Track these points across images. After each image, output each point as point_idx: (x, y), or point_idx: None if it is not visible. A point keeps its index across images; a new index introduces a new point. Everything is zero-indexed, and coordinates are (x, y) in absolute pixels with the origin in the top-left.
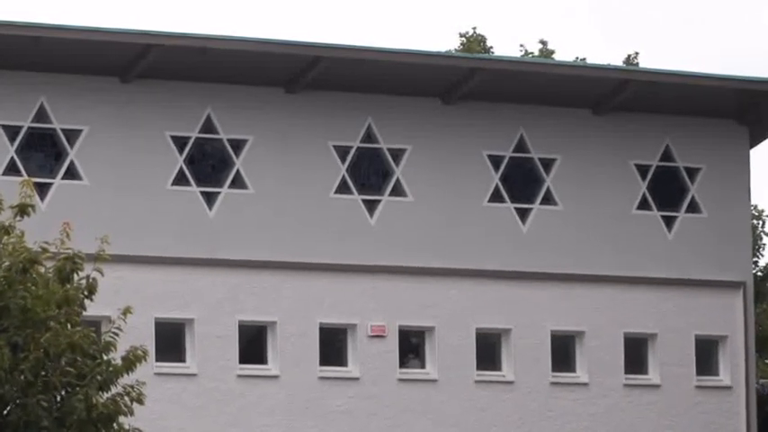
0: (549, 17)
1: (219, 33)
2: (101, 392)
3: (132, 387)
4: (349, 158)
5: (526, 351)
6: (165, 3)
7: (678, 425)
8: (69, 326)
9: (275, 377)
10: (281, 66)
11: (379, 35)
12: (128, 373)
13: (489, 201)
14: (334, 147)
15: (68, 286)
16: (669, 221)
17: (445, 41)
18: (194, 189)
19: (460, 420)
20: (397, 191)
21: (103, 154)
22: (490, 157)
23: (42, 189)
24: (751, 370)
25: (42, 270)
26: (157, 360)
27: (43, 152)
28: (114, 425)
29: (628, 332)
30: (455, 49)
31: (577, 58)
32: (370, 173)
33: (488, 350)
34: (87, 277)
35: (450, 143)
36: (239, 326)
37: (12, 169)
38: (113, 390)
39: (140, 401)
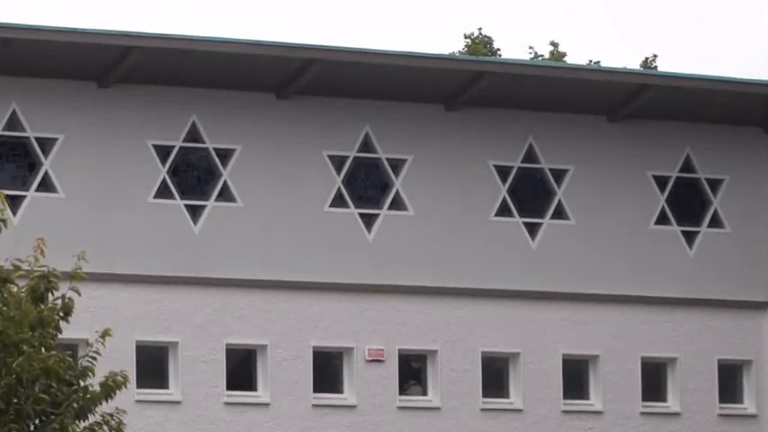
0: (561, 17)
1: (205, 34)
2: (77, 421)
3: (111, 416)
4: (345, 169)
5: (536, 377)
6: (147, 2)
7: None
8: (43, 350)
9: (265, 405)
10: (272, 69)
11: (377, 36)
12: (106, 401)
13: (496, 215)
14: (329, 157)
15: (42, 307)
16: (690, 237)
17: (449, 43)
18: (178, 202)
19: None
20: (397, 204)
21: (80, 164)
22: (497, 167)
23: (14, 202)
24: None
25: (14, 289)
26: (138, 386)
27: (15, 162)
28: None
29: (645, 356)
30: (459, 52)
31: (591, 61)
32: (367, 185)
33: (495, 376)
34: (63, 297)
35: (454, 153)
36: (227, 349)
37: None
38: (91, 418)
39: (120, 431)
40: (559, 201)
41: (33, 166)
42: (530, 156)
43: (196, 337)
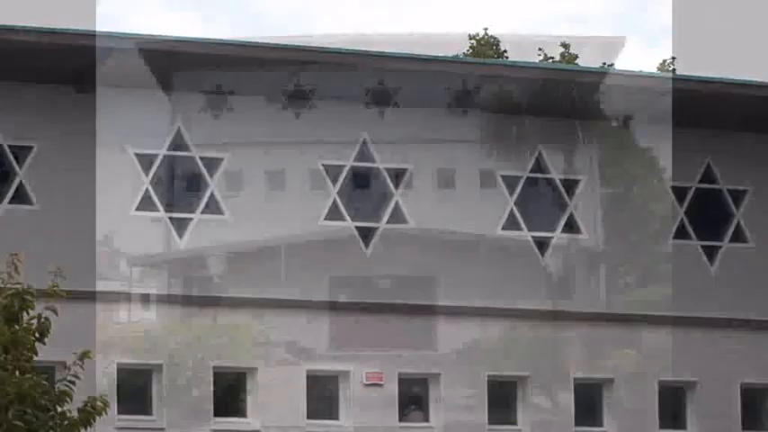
0: (572, 17)
1: (189, 35)
2: None
3: None
4: (341, 180)
5: (546, 402)
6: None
7: None
8: (18, 373)
9: None
10: (263, 73)
11: (375, 37)
12: (85, 428)
13: (503, 228)
14: (324, 166)
15: (17, 327)
16: (711, 252)
17: (453, 45)
18: (162, 215)
19: None
20: (397, 217)
21: (56, 174)
22: (504, 177)
23: None
24: None
25: None
26: (119, 412)
27: None
28: None
29: (663, 380)
30: (464, 54)
31: (604, 63)
32: (365, 196)
33: (502, 400)
34: (39, 316)
35: (458, 162)
36: (214, 373)
37: None
38: None
39: None
40: (571, 213)
41: (6, 175)
42: (539, 165)
43: (181, 360)
